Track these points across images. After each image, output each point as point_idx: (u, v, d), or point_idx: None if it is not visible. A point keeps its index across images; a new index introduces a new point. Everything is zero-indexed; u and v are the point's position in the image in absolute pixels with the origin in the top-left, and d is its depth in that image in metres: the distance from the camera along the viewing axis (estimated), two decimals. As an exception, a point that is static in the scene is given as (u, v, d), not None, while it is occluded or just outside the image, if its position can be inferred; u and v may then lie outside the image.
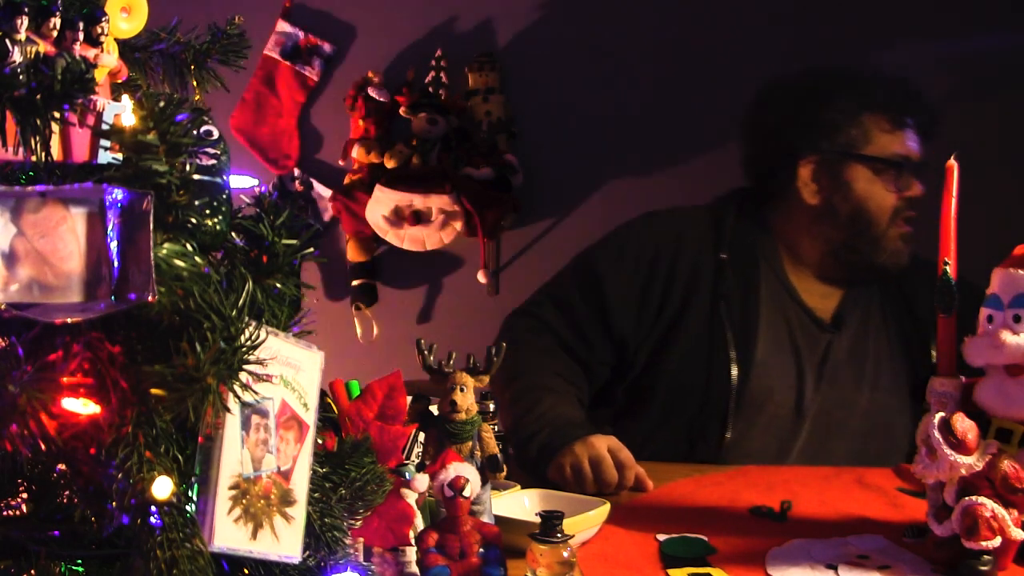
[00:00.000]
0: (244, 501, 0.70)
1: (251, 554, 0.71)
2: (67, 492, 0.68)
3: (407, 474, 0.98)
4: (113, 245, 0.62)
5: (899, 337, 1.75)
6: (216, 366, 0.63)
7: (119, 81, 0.79)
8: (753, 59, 2.45)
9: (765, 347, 1.68)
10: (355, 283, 2.92)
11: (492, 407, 1.48)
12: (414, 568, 0.97)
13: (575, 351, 1.70)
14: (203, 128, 0.69)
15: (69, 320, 0.63)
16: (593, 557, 1.12)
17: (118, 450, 0.64)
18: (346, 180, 2.88)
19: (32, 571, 0.67)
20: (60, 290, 0.62)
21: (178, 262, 0.65)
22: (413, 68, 2.85)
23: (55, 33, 0.71)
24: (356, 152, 2.84)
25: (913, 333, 1.75)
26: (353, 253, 2.91)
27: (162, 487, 0.65)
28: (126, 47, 0.81)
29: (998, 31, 2.45)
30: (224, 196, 0.70)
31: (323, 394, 0.81)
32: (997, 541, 1.02)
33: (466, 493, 0.98)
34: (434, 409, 1.16)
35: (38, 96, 0.65)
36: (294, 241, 0.74)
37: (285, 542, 0.73)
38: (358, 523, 0.84)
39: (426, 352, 1.13)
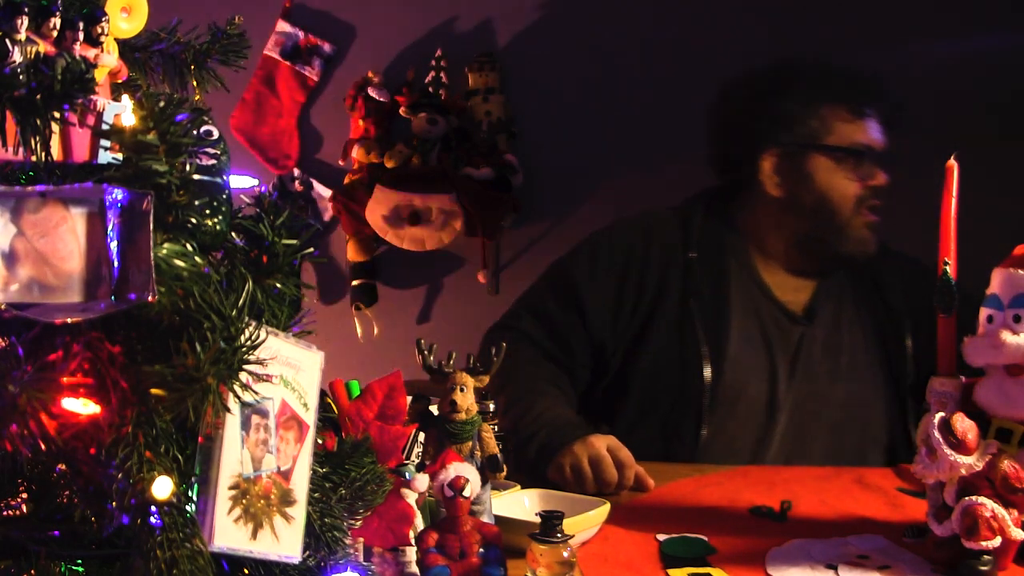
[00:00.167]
0: (244, 501, 0.70)
1: (251, 554, 0.71)
2: (67, 492, 0.68)
3: (407, 474, 0.98)
4: (113, 245, 0.62)
5: (873, 328, 1.76)
6: (216, 366, 0.63)
7: (119, 81, 0.79)
8: (753, 59, 2.44)
9: (737, 343, 1.69)
10: (355, 283, 2.91)
11: (492, 407, 1.48)
12: (414, 568, 0.97)
13: (557, 359, 1.72)
14: (203, 128, 0.69)
15: (69, 320, 0.63)
16: (593, 557, 1.12)
17: (118, 450, 0.64)
18: (346, 180, 2.87)
19: (32, 571, 0.67)
20: (60, 290, 0.62)
21: (178, 262, 0.65)
22: (413, 68, 2.84)
23: (55, 33, 0.71)
24: (356, 152, 2.84)
25: (887, 324, 1.76)
26: (353, 253, 2.91)
27: (162, 487, 0.65)
28: (126, 47, 0.81)
29: (998, 31, 2.45)
30: (224, 196, 0.70)
31: (323, 394, 0.80)
32: (997, 541, 1.02)
33: (466, 493, 0.98)
34: (434, 409, 1.16)
35: (38, 96, 0.65)
36: (294, 241, 0.74)
37: (285, 542, 0.73)
38: (358, 523, 0.84)
39: (426, 352, 1.14)
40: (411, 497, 0.99)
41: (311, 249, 0.76)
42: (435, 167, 2.74)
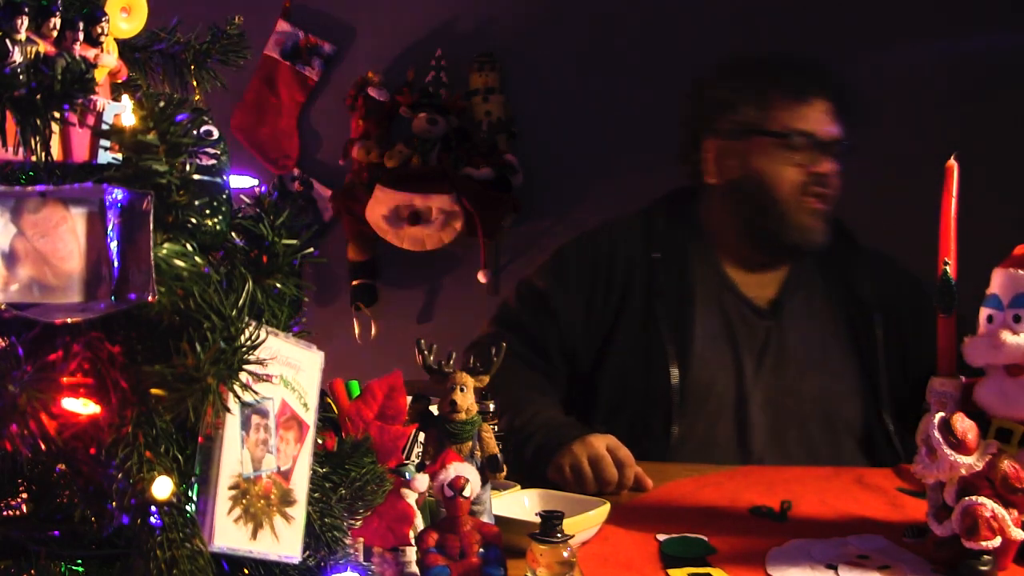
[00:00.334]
0: (244, 501, 0.70)
1: (251, 554, 0.71)
2: (67, 492, 0.68)
3: (407, 474, 0.98)
4: (113, 245, 0.62)
5: (844, 321, 1.77)
6: (216, 366, 0.63)
7: (119, 81, 0.79)
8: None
9: (702, 340, 1.71)
10: (355, 283, 2.91)
11: (492, 407, 1.48)
12: (414, 568, 0.97)
13: (537, 366, 1.73)
14: (203, 128, 0.69)
15: (69, 320, 0.63)
16: (593, 557, 1.12)
17: (118, 450, 0.64)
18: (346, 180, 2.88)
19: (32, 571, 0.67)
20: (60, 290, 0.62)
21: (178, 262, 0.65)
22: (413, 68, 2.84)
23: (55, 33, 0.71)
24: (356, 152, 2.84)
25: (857, 316, 1.76)
26: (353, 253, 2.91)
27: (162, 487, 0.65)
28: (126, 47, 0.81)
29: (998, 31, 2.45)
30: (224, 196, 0.70)
31: (323, 394, 0.80)
32: (997, 541, 1.02)
33: (466, 493, 0.98)
34: (434, 409, 1.16)
35: (38, 96, 0.65)
36: (294, 241, 0.74)
37: (285, 542, 0.73)
38: (358, 523, 0.84)
39: (426, 352, 1.14)
40: (411, 497, 0.99)
41: (311, 249, 0.76)
42: (435, 167, 2.74)
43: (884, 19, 2.50)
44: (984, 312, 1.08)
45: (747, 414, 1.69)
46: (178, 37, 0.83)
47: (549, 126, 2.80)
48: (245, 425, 0.71)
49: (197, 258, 0.67)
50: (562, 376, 1.76)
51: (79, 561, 0.68)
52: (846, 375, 1.73)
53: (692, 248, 1.78)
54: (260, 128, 3.02)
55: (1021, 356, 1.04)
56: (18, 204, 0.62)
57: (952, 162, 1.16)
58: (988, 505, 1.03)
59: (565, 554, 0.94)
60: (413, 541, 0.98)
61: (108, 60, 0.76)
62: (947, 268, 1.12)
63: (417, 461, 1.14)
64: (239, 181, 0.74)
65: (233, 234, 0.72)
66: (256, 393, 0.68)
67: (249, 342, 0.65)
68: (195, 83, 0.85)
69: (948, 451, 1.04)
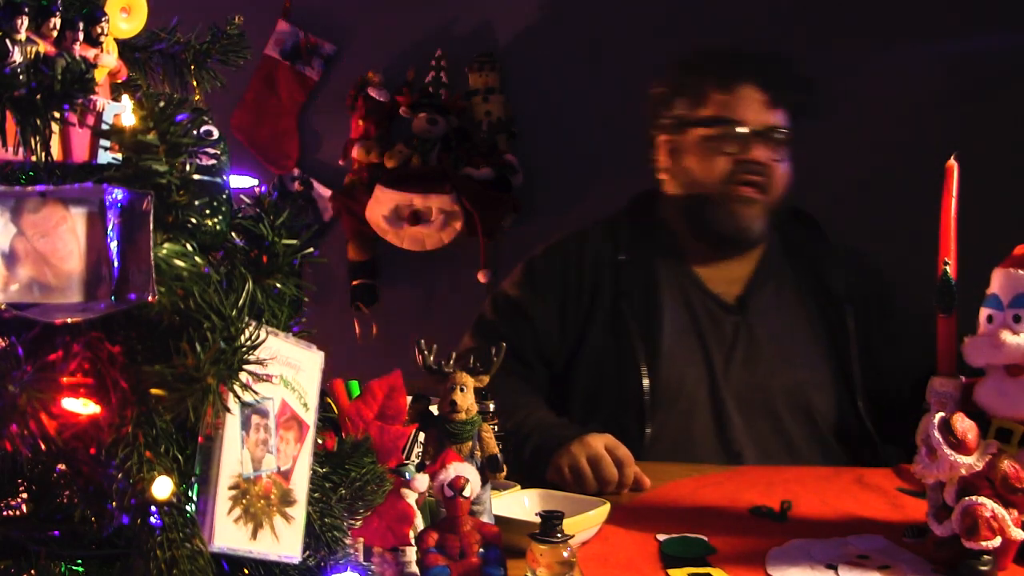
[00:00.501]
0: (244, 501, 0.70)
1: (251, 554, 0.71)
2: (67, 492, 0.68)
3: (407, 474, 0.98)
4: (113, 245, 0.62)
5: (816, 313, 1.78)
6: (216, 366, 0.63)
7: (119, 81, 0.79)
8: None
9: (670, 338, 1.72)
10: (355, 283, 2.91)
11: (492, 407, 1.48)
12: (414, 568, 0.97)
13: (519, 372, 1.74)
14: (203, 128, 0.69)
15: (69, 320, 0.63)
16: (593, 557, 1.12)
17: (118, 450, 0.64)
18: (346, 180, 2.88)
19: (32, 571, 0.67)
20: (60, 290, 0.62)
21: (178, 262, 0.65)
22: (413, 68, 2.84)
23: (55, 33, 0.71)
24: (356, 152, 2.84)
25: (829, 308, 1.78)
26: (353, 253, 2.91)
27: (162, 487, 0.65)
28: (126, 47, 0.81)
29: (998, 31, 2.45)
30: (224, 196, 0.70)
31: (323, 394, 0.80)
32: (997, 541, 1.02)
33: (466, 493, 0.98)
34: (434, 409, 1.16)
35: (38, 96, 0.65)
36: (294, 241, 0.74)
37: (285, 542, 0.73)
38: (358, 523, 0.84)
39: (426, 352, 1.13)
40: (411, 497, 0.99)
41: (311, 249, 0.76)
42: (435, 167, 2.74)
43: (884, 19, 2.49)
44: (984, 312, 1.08)
45: (722, 410, 1.69)
46: (178, 37, 0.83)
47: (549, 126, 2.80)
48: (245, 425, 0.71)
49: (197, 258, 0.67)
50: (543, 381, 1.78)
51: (79, 561, 0.68)
52: (818, 366, 1.74)
53: (657, 248, 1.80)
54: (260, 128, 3.02)
55: (1021, 356, 1.04)
56: (18, 204, 0.62)
57: (952, 162, 1.16)
58: (988, 505, 1.03)
59: (565, 554, 0.94)
60: (413, 541, 0.98)
61: (108, 60, 0.76)
62: (947, 268, 1.12)
63: (417, 461, 1.14)
64: (239, 181, 0.74)
65: (233, 234, 0.72)
66: (256, 393, 0.68)
67: (249, 342, 0.65)
68: (195, 83, 0.84)
69: (948, 451, 1.04)
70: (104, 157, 0.72)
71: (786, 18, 2.55)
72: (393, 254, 2.87)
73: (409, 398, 1.05)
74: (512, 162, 2.74)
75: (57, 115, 0.65)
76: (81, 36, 0.73)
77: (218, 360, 0.63)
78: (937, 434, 1.05)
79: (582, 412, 1.72)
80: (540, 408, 1.64)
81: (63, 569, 0.67)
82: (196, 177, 0.67)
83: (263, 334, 0.67)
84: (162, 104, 0.66)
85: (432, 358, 1.14)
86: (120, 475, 0.64)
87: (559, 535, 0.95)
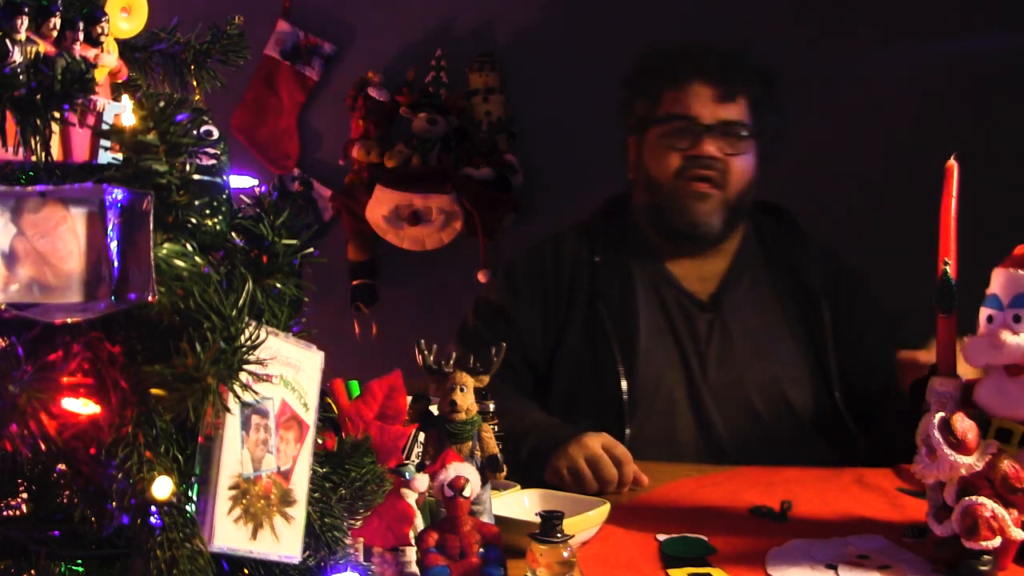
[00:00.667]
0: (244, 501, 0.70)
1: (251, 554, 0.71)
2: (67, 492, 0.68)
3: (407, 474, 0.98)
4: (113, 245, 0.62)
5: (793, 309, 1.79)
6: (216, 366, 0.63)
7: (119, 81, 0.79)
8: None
9: (647, 337, 1.73)
10: (355, 283, 2.91)
11: (492, 407, 1.48)
12: (414, 568, 0.97)
13: (506, 376, 1.72)
14: (203, 128, 0.69)
15: (69, 320, 0.63)
16: (593, 557, 1.12)
17: (118, 450, 0.64)
18: (346, 180, 2.87)
19: (32, 571, 0.67)
20: (60, 290, 0.62)
21: (178, 262, 0.65)
22: (413, 68, 2.84)
23: (55, 33, 0.71)
24: (356, 152, 2.84)
25: (805, 303, 1.78)
26: (353, 253, 2.90)
27: (162, 487, 0.65)
28: (126, 47, 0.81)
29: (998, 31, 2.45)
30: (224, 196, 0.70)
31: (323, 394, 0.80)
32: (997, 541, 1.02)
33: (466, 493, 0.98)
34: (434, 409, 1.16)
35: (38, 96, 0.65)
36: (294, 241, 0.74)
37: (285, 542, 0.73)
38: (358, 523, 0.84)
39: (426, 352, 1.13)
40: (411, 497, 0.99)
41: (311, 249, 0.76)
42: (435, 167, 2.74)
43: (884, 19, 2.49)
44: (984, 312, 1.08)
45: (701, 407, 1.70)
46: (178, 37, 0.83)
47: (549, 126, 2.80)
48: (245, 425, 0.71)
49: (197, 258, 0.67)
50: (528, 384, 1.78)
51: (79, 561, 0.68)
52: (794, 360, 1.75)
53: (631, 248, 1.82)
54: (260, 128, 3.02)
55: (1021, 356, 1.04)
56: (18, 204, 0.62)
57: (952, 162, 1.16)
58: (988, 505, 1.03)
59: (565, 554, 0.94)
60: (413, 541, 0.98)
61: (108, 60, 0.76)
62: (947, 268, 1.12)
63: (417, 461, 1.14)
64: (239, 181, 0.74)
65: (233, 234, 0.72)
66: (256, 393, 0.68)
67: (249, 342, 0.65)
68: (195, 83, 0.84)
69: (948, 451, 1.04)
70: (104, 157, 0.72)
71: (786, 18, 2.55)
72: (393, 254, 2.86)
73: (409, 398, 1.06)
74: (512, 162, 2.74)
75: (57, 115, 0.65)
76: (81, 36, 0.73)
77: (218, 360, 0.63)
78: (937, 434, 1.05)
79: (562, 413, 1.72)
80: (533, 410, 1.64)
81: (63, 569, 0.67)
82: (196, 177, 0.67)
83: (263, 334, 0.67)
84: (162, 104, 0.66)
85: (432, 358, 1.14)
86: (120, 475, 0.64)
87: (559, 535, 0.95)
